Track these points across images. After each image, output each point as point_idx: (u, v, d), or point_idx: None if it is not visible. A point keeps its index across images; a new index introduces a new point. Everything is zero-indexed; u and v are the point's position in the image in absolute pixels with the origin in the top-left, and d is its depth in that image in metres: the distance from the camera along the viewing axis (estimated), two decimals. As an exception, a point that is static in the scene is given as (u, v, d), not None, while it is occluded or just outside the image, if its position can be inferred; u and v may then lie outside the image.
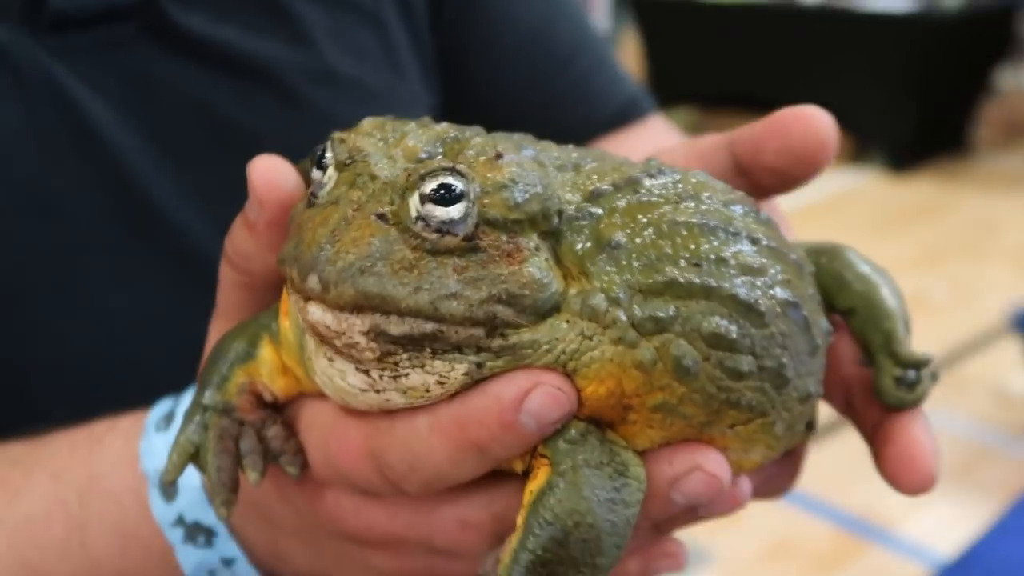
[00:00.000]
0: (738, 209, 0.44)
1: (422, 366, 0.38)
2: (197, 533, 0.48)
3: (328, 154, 0.40)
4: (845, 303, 0.48)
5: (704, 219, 0.41)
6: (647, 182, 0.42)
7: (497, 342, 0.38)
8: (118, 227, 0.66)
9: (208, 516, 0.49)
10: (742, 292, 0.41)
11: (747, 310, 0.41)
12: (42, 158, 0.63)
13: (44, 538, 0.51)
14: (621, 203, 0.41)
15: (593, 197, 0.41)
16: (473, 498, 0.43)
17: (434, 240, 0.37)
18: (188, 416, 0.44)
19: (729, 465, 0.42)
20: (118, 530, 0.50)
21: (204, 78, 0.68)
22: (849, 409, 0.51)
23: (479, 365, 0.38)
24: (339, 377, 0.40)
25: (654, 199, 0.42)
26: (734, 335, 0.40)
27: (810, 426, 0.48)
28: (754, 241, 0.42)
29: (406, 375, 0.38)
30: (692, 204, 0.42)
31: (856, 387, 0.50)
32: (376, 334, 0.37)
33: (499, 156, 0.39)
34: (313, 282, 0.36)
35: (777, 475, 0.51)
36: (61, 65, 0.64)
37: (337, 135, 0.40)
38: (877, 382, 0.48)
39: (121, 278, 0.66)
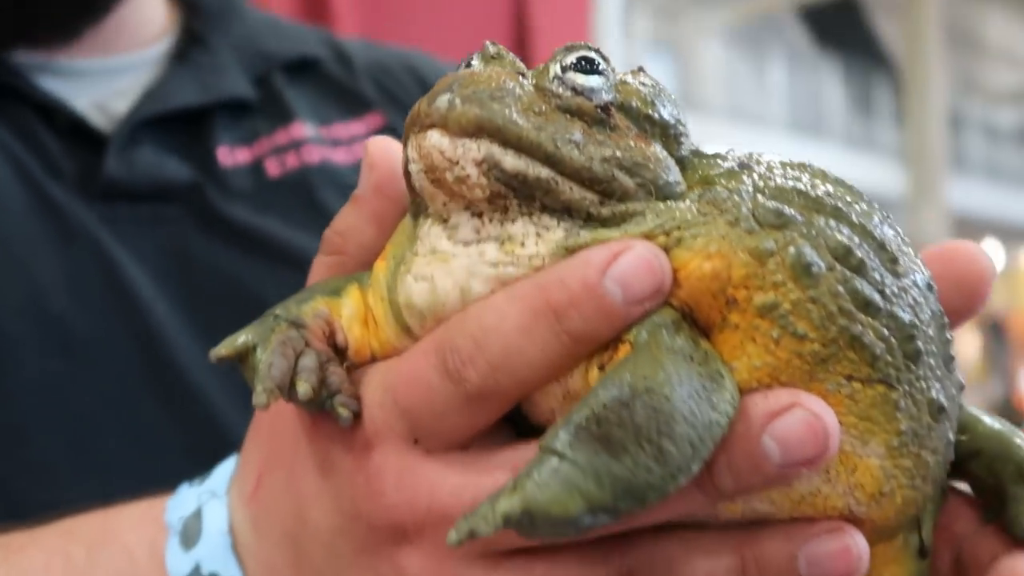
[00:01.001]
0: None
1: (529, 215, 0.37)
2: None
3: (474, 56, 0.39)
4: (971, 446, 0.43)
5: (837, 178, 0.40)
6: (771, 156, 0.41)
7: (606, 209, 0.37)
8: (140, 382, 0.68)
9: (228, 568, 0.45)
10: (876, 229, 0.38)
11: (880, 246, 0.38)
12: (76, 303, 0.67)
13: None
14: (749, 153, 0.40)
15: (728, 155, 0.40)
16: (526, 449, 0.38)
17: (568, 98, 0.37)
18: (256, 322, 0.42)
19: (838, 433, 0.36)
20: None
21: (238, 259, 0.72)
22: (956, 570, 0.45)
23: (579, 229, 0.37)
24: (447, 238, 0.38)
25: (778, 157, 0.40)
26: (861, 257, 0.37)
27: (923, 552, 0.42)
28: (894, 230, 0.40)
29: (512, 220, 0.37)
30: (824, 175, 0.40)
31: (968, 545, 0.44)
32: (490, 166, 0.36)
33: (642, 69, 0.39)
34: (441, 102, 0.36)
35: None
36: (106, 228, 0.69)
37: (489, 45, 0.40)
38: (1012, 513, 0.42)
39: (134, 432, 0.66)
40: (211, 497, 0.47)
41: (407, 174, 0.38)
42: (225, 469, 0.48)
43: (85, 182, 0.70)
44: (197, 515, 0.46)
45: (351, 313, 0.42)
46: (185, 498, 0.48)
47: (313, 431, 0.43)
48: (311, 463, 0.43)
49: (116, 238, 0.69)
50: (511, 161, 0.36)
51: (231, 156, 0.76)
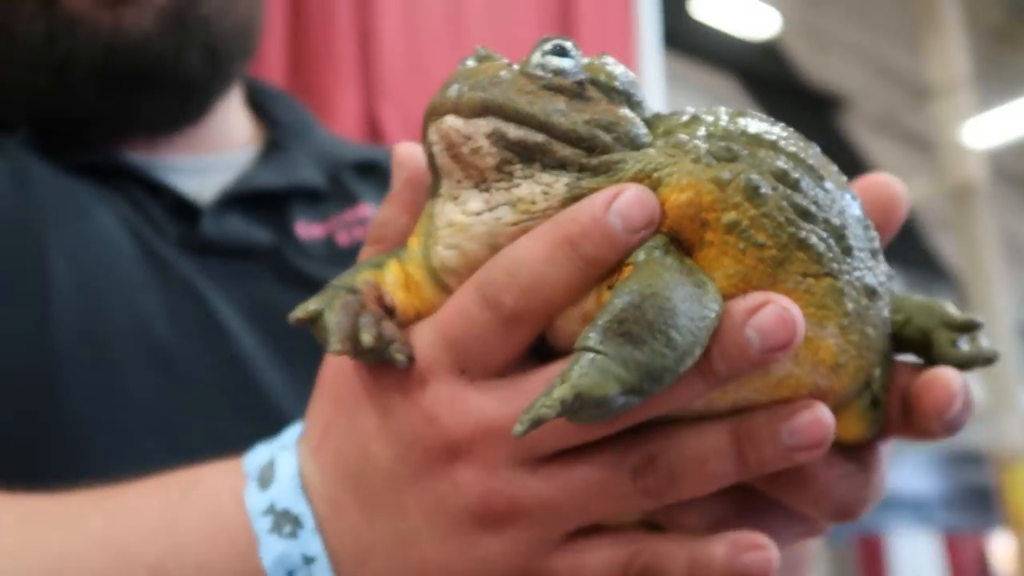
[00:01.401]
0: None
1: (531, 176, 0.44)
2: (284, 523, 0.50)
3: (469, 58, 0.48)
4: (904, 317, 0.51)
5: (771, 121, 0.48)
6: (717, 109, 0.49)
7: (595, 160, 0.44)
8: (227, 398, 0.76)
9: (298, 505, 0.50)
10: (803, 154, 0.46)
11: (808, 168, 0.46)
12: (175, 332, 0.76)
13: (137, 520, 0.53)
14: (696, 110, 0.48)
15: (689, 111, 0.48)
16: (561, 362, 0.45)
17: (549, 78, 0.45)
18: (320, 293, 0.49)
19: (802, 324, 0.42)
20: (210, 518, 0.52)
21: None
22: (904, 414, 0.50)
23: (578, 180, 0.44)
24: (460, 212, 0.45)
25: (721, 109, 0.48)
26: (797, 177, 0.45)
27: (875, 403, 0.49)
28: (825, 166, 0.48)
29: (517, 185, 0.44)
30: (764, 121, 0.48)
31: (909, 389, 0.50)
32: (497, 138, 0.44)
33: (604, 54, 0.47)
34: (452, 92, 0.45)
35: (855, 475, 0.49)
36: (200, 275, 0.80)
37: (480, 49, 0.49)
38: (938, 353, 0.50)
39: (221, 440, 0.71)
40: (282, 449, 0.53)
41: (429, 158, 0.47)
42: (294, 429, 0.55)
43: (184, 241, 0.81)
44: (270, 464, 0.52)
45: (393, 280, 0.49)
46: (260, 452, 0.54)
47: (371, 381, 0.49)
48: (371, 406, 0.49)
49: (209, 283, 0.80)
50: (513, 131, 0.44)
51: (307, 230, 0.88)
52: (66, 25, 0.80)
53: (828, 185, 0.46)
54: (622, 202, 0.43)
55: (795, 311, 0.42)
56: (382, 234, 0.52)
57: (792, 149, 0.46)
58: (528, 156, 0.44)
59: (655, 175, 0.44)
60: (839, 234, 0.45)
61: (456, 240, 0.46)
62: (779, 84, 8.23)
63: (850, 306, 0.46)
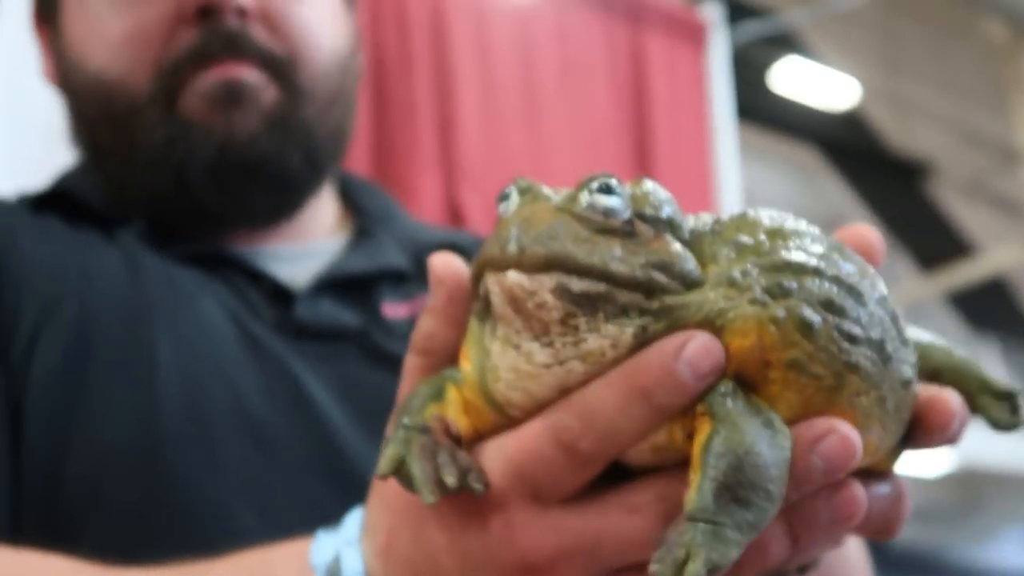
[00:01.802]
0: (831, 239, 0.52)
1: (597, 330, 0.45)
2: None
3: (511, 189, 0.50)
4: (929, 367, 0.55)
5: (806, 228, 0.51)
6: (752, 212, 0.51)
7: (655, 304, 0.46)
8: (318, 472, 0.81)
9: None
10: (844, 274, 0.48)
11: (849, 289, 0.48)
12: (270, 410, 0.82)
13: None
14: (735, 222, 0.50)
15: (712, 222, 0.50)
16: (638, 485, 0.48)
17: (600, 221, 0.46)
18: (392, 436, 0.51)
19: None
20: None
21: (397, 381, 0.84)
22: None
23: (643, 328, 0.45)
24: (525, 361, 0.47)
25: (762, 217, 0.51)
26: (842, 303, 0.47)
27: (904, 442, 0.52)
28: (845, 255, 0.50)
29: (584, 340, 0.46)
30: (793, 222, 0.51)
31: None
32: (561, 291, 0.45)
33: (643, 178, 0.49)
34: (512, 247, 0.45)
35: (887, 498, 0.53)
36: (294, 357, 0.85)
37: (520, 178, 0.51)
38: (990, 416, 0.55)
39: (313, 511, 0.75)
40: (347, 545, 0.56)
41: (485, 298, 0.48)
42: (354, 520, 0.58)
43: (279, 324, 0.87)
44: (336, 560, 0.55)
45: (455, 408, 0.52)
46: (324, 545, 0.57)
47: (442, 508, 0.51)
48: (438, 524, 0.52)
49: (302, 364, 0.85)
50: (576, 284, 0.45)
51: (393, 310, 0.93)
52: (184, 130, 0.87)
53: (864, 298, 0.49)
54: (690, 350, 0.44)
55: (853, 436, 0.45)
56: (429, 346, 0.54)
57: (833, 272, 0.48)
58: (591, 306, 0.45)
59: (717, 321, 0.46)
60: (880, 347, 0.48)
61: (523, 384, 0.48)
62: (862, 153, 8.17)
63: (891, 406, 0.49)
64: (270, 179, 0.91)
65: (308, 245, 0.98)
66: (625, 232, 0.46)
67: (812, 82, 7.53)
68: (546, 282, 0.45)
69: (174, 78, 0.87)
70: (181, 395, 0.79)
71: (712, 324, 0.45)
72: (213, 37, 0.87)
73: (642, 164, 2.65)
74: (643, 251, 0.46)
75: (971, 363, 0.56)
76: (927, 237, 8.33)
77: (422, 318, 0.55)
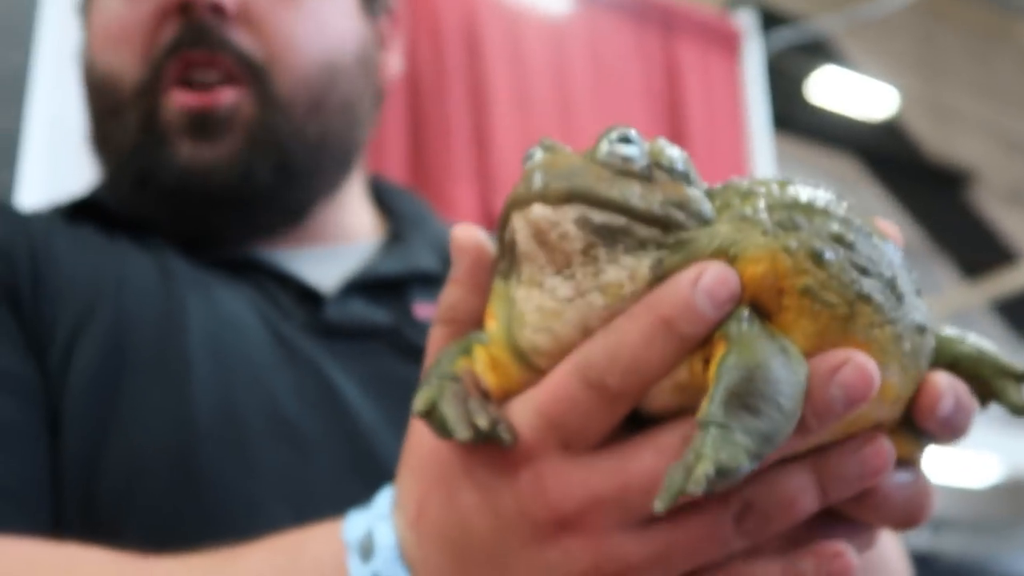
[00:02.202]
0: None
1: (616, 261, 0.47)
2: None
3: (536, 148, 0.52)
4: (947, 358, 0.55)
5: (812, 184, 0.52)
6: (760, 177, 0.53)
7: (672, 238, 0.48)
8: (349, 468, 0.82)
9: (399, 574, 0.54)
10: (853, 216, 0.50)
11: (859, 229, 0.50)
12: (302, 408, 0.83)
13: None
14: (744, 180, 0.52)
15: (727, 183, 0.52)
16: (663, 428, 0.48)
17: (619, 165, 0.48)
18: (424, 383, 0.53)
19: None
20: None
21: None
22: None
23: (659, 260, 0.47)
24: (549, 297, 0.49)
25: (766, 178, 0.52)
26: (852, 238, 0.49)
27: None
28: (857, 212, 0.52)
29: (604, 271, 0.48)
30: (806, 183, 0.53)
31: None
32: (583, 222, 0.47)
33: (658, 138, 0.51)
34: (537, 182, 0.48)
35: (911, 483, 0.54)
36: (325, 356, 0.87)
37: (545, 139, 0.52)
38: (1007, 399, 0.56)
39: (344, 507, 0.77)
40: (379, 519, 0.57)
41: (510, 245, 0.50)
42: (385, 497, 0.58)
43: (309, 324, 0.88)
44: (369, 535, 0.56)
45: (482, 365, 0.53)
46: (357, 522, 0.58)
47: (468, 458, 0.52)
48: (469, 483, 0.52)
49: (332, 362, 0.86)
50: (598, 216, 0.47)
51: (424, 310, 0.94)
52: (154, 144, 0.89)
53: (875, 240, 0.51)
54: (707, 281, 0.46)
55: (871, 365, 0.46)
56: (453, 316, 0.55)
57: (841, 213, 0.50)
58: (611, 239, 0.47)
59: (731, 251, 0.47)
60: (892, 284, 0.50)
61: (547, 324, 0.49)
62: (902, 162, 8.09)
63: (907, 346, 0.50)
64: (235, 202, 0.91)
65: (339, 249, 0.99)
66: (643, 176, 0.49)
67: (850, 91, 7.48)
68: (569, 213, 0.47)
69: (156, 72, 0.89)
70: (214, 397, 0.81)
71: (726, 254, 0.47)
72: (188, 30, 0.88)
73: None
74: (660, 191, 0.48)
75: (986, 348, 0.56)
76: (970, 245, 8.22)
77: (446, 289, 0.56)
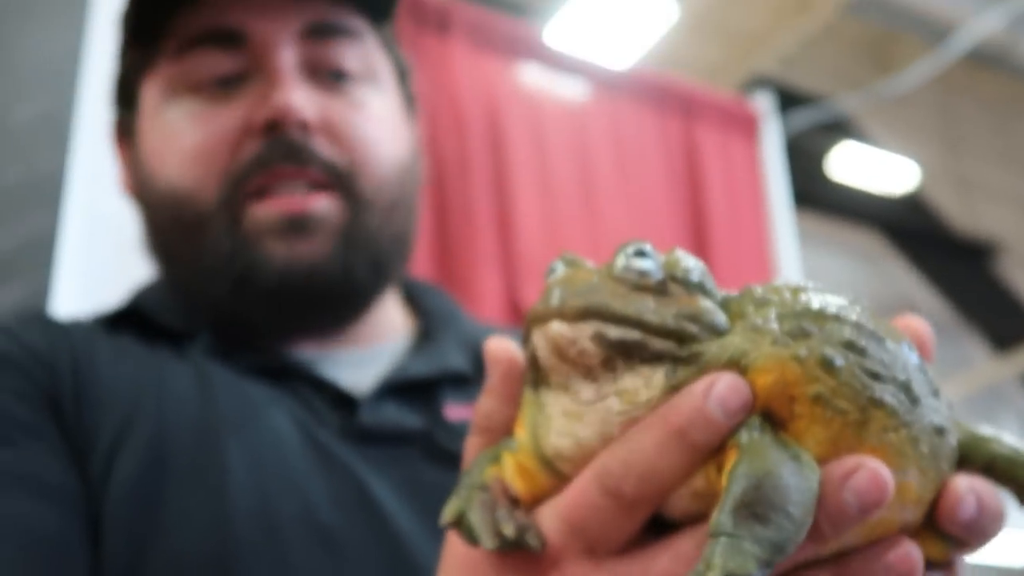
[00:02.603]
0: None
1: (633, 369, 0.49)
2: None
3: (557, 262, 0.54)
4: (982, 459, 0.56)
5: (835, 294, 0.53)
6: (782, 279, 0.54)
7: (686, 351, 0.49)
8: (385, 572, 0.83)
9: None
10: (865, 321, 0.51)
11: (871, 334, 0.50)
12: (338, 514, 0.84)
13: None
14: (762, 286, 0.53)
15: (745, 289, 0.54)
16: (682, 534, 0.50)
17: (635, 280, 0.50)
18: (454, 494, 0.54)
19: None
20: None
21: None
22: None
23: (674, 370, 0.49)
24: (572, 400, 0.50)
25: (781, 284, 0.53)
26: (864, 344, 0.49)
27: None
28: (871, 314, 0.52)
29: (621, 378, 0.49)
30: (820, 287, 0.53)
31: None
32: (599, 338, 0.49)
33: (674, 248, 0.53)
34: (554, 299, 0.50)
35: None
36: (359, 461, 0.88)
37: (566, 253, 0.54)
38: None
39: None
40: None
41: (534, 358, 0.52)
42: None
43: (344, 430, 0.90)
44: None
45: (511, 472, 0.55)
46: None
47: (501, 567, 0.54)
48: None
49: (367, 468, 0.87)
50: (613, 331, 0.49)
51: (455, 412, 0.95)
52: (246, 248, 0.91)
53: (889, 345, 0.51)
54: (719, 390, 0.47)
55: (884, 471, 0.47)
56: (488, 425, 0.57)
57: (853, 318, 0.51)
58: (627, 352, 0.49)
59: (742, 361, 0.49)
60: (906, 387, 0.50)
61: (570, 429, 0.51)
62: (926, 236, 8.10)
63: (925, 448, 0.50)
64: (334, 297, 0.94)
65: (372, 349, 1.01)
66: (658, 290, 0.50)
67: (870, 166, 7.52)
68: (585, 329, 0.49)
69: (238, 188, 0.91)
70: (252, 504, 0.82)
71: (737, 364, 0.48)
72: (276, 145, 0.91)
73: (702, 256, 2.65)
74: (674, 305, 0.50)
75: (1021, 451, 0.57)
76: (999, 317, 8.17)
77: (481, 399, 0.58)
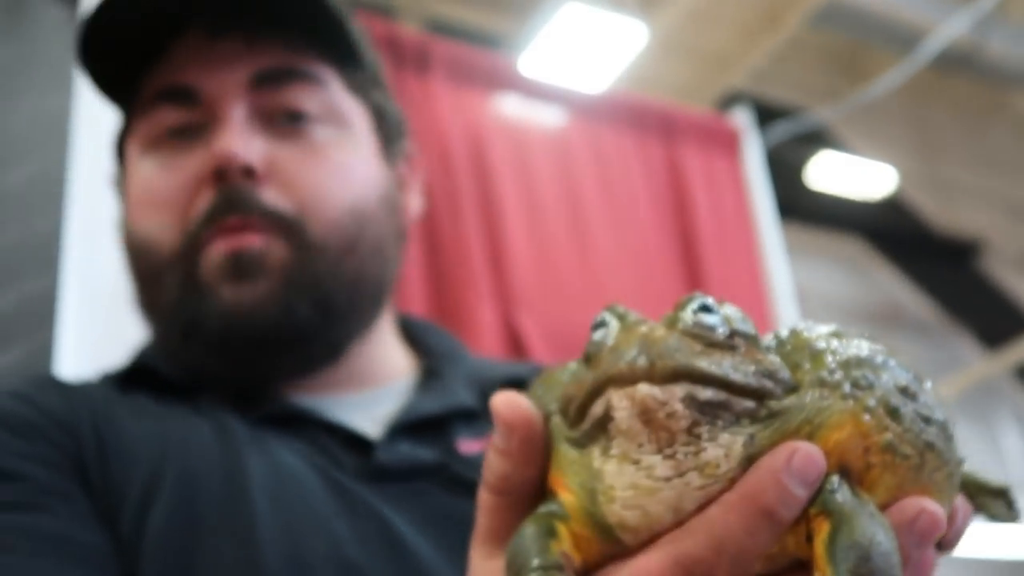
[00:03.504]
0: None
1: (715, 439, 0.48)
2: None
3: (606, 315, 0.53)
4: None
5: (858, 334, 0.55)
6: (800, 324, 0.55)
7: (764, 411, 0.49)
8: None
9: None
10: (904, 365, 0.53)
11: (915, 376, 0.53)
12: (363, 552, 0.85)
13: None
14: (794, 334, 0.54)
15: (774, 336, 0.54)
16: None
17: (708, 336, 0.50)
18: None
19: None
20: None
21: None
22: None
23: (751, 437, 0.48)
24: (645, 476, 0.49)
25: (813, 326, 0.55)
26: (915, 388, 0.51)
27: None
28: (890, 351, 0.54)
29: (704, 449, 0.48)
30: (854, 335, 0.55)
31: None
32: (690, 400, 0.48)
33: (723, 301, 0.53)
34: (642, 361, 0.48)
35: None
36: (379, 499, 0.89)
37: (615, 306, 0.53)
38: (988, 515, 0.61)
39: None
40: None
41: (602, 418, 0.49)
42: None
43: (361, 470, 0.91)
44: None
45: (568, 544, 0.53)
46: None
47: None
48: None
49: (387, 506, 0.88)
50: (703, 393, 0.48)
51: (468, 447, 0.96)
52: (196, 295, 0.93)
53: (925, 385, 0.53)
54: (796, 464, 0.47)
55: (939, 510, 0.49)
56: (508, 487, 0.56)
57: (896, 362, 0.53)
58: (713, 415, 0.48)
59: (816, 420, 0.49)
60: (944, 427, 0.52)
61: (640, 502, 0.49)
62: (909, 239, 8.15)
63: (956, 481, 0.54)
64: (277, 340, 0.95)
65: (377, 390, 1.03)
66: (728, 346, 0.50)
67: (850, 174, 7.57)
68: (677, 392, 0.47)
69: (194, 240, 0.94)
70: (282, 546, 0.83)
71: (812, 423, 0.49)
72: (222, 198, 0.93)
73: (692, 273, 2.68)
74: (748, 361, 0.50)
75: (969, 470, 0.60)
76: (986, 315, 8.22)
77: (494, 458, 0.56)
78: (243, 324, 0.93)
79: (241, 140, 0.94)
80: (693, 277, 2.68)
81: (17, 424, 0.87)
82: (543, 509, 0.54)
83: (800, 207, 7.03)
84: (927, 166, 8.01)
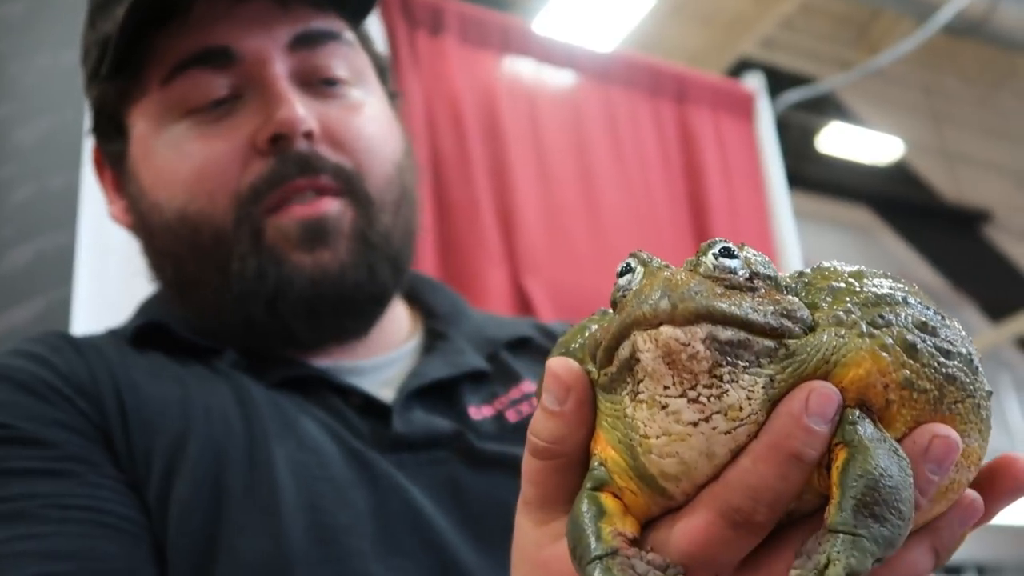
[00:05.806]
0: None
1: (736, 380, 0.49)
2: None
3: (632, 261, 0.54)
4: None
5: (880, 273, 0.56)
6: (825, 263, 0.57)
7: (782, 351, 0.50)
8: (430, 573, 0.85)
9: None
10: (927, 301, 0.54)
11: (936, 312, 0.53)
12: (383, 523, 0.86)
13: None
14: (818, 272, 0.55)
15: (798, 275, 0.55)
16: (791, 536, 0.52)
17: (729, 279, 0.51)
18: (593, 568, 0.53)
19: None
20: None
21: (494, 480, 0.91)
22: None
23: (771, 379, 0.50)
24: (674, 421, 0.50)
25: (837, 265, 0.56)
26: (934, 323, 0.52)
27: None
28: (918, 289, 0.55)
29: (726, 391, 0.49)
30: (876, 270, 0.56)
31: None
32: (711, 340, 0.49)
33: (743, 245, 0.54)
34: (664, 304, 0.49)
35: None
36: (395, 468, 0.90)
37: (639, 252, 0.55)
38: None
39: None
40: None
41: (628, 361, 0.51)
42: None
43: (378, 438, 0.91)
44: None
45: (619, 515, 0.54)
46: None
47: None
48: None
49: (404, 475, 0.89)
50: (723, 333, 0.49)
51: (479, 412, 0.97)
52: (275, 263, 0.92)
53: (947, 321, 0.54)
54: (813, 404, 0.49)
55: (951, 433, 0.50)
56: (561, 450, 0.57)
57: (918, 299, 0.53)
58: (734, 355, 0.49)
59: (834, 358, 0.50)
60: (969, 359, 0.53)
61: (674, 449, 0.51)
62: (917, 208, 8.13)
63: (984, 414, 0.54)
64: (364, 299, 0.96)
65: (388, 354, 1.03)
66: (748, 287, 0.51)
67: (859, 144, 7.54)
68: (698, 332, 0.49)
69: (255, 206, 0.92)
70: (305, 517, 0.84)
71: (829, 361, 0.50)
72: (288, 161, 0.92)
73: (701, 236, 2.69)
74: (767, 302, 0.51)
75: None
76: (992, 284, 8.21)
77: (547, 422, 0.56)
78: (332, 288, 0.93)
79: (302, 105, 0.93)
80: (701, 237, 2.68)
81: (37, 387, 0.86)
82: (587, 484, 0.55)
83: (809, 175, 7.01)
84: (936, 135, 7.98)
